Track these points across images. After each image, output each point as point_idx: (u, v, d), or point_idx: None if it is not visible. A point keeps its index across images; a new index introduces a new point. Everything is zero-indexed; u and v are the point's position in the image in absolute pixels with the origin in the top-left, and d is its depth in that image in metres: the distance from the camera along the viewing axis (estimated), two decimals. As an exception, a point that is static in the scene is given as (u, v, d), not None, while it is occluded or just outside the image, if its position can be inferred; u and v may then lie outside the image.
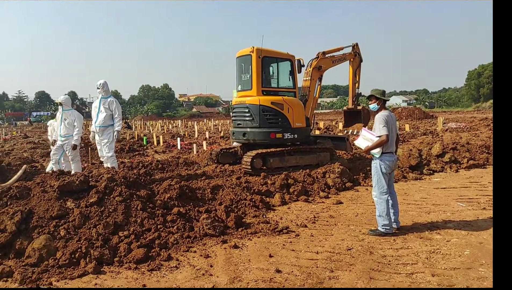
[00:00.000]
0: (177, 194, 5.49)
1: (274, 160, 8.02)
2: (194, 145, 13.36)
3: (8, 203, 4.81)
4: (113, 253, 4.08)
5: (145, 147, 15.41)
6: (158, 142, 16.31)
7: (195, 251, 4.19)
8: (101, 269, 3.78)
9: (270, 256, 4.01)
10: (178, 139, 15.67)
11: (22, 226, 4.33)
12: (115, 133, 7.39)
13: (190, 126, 34.22)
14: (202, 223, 4.74)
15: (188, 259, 4.01)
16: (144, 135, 19.19)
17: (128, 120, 40.50)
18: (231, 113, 11.73)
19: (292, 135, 8.36)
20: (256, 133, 8.18)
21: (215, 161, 8.94)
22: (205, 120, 51.78)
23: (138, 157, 12.66)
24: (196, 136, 20.64)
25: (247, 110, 8.25)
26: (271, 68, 8.65)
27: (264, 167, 8.02)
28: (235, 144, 9.60)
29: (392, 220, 4.69)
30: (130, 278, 3.60)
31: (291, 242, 4.44)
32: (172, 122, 47.78)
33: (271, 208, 5.97)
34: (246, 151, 8.64)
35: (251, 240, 4.53)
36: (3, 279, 3.63)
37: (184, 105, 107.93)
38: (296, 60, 8.67)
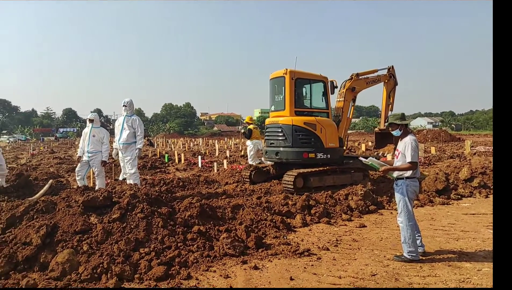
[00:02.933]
0: (198, 212, 5.52)
1: (314, 179, 8.18)
2: (215, 163, 13.47)
3: (35, 216, 4.96)
4: (134, 269, 4.11)
5: (166, 165, 15.64)
6: (180, 160, 16.53)
7: (214, 271, 4.18)
8: (122, 285, 3.82)
9: (291, 279, 3.94)
10: (199, 157, 15.84)
11: (47, 240, 4.45)
12: (137, 151, 7.57)
13: (211, 145, 34.58)
14: (222, 243, 4.73)
15: (207, 278, 3.99)
16: (166, 153, 19.51)
17: (151, 138, 41.39)
18: (247, 135, 12.09)
19: (325, 155, 8.49)
20: (288, 153, 8.38)
21: (249, 178, 9.12)
22: (226, 138, 52.26)
23: (159, 174, 12.85)
24: (216, 154, 20.80)
25: (280, 130, 8.50)
26: (304, 89, 8.91)
27: (304, 187, 8.14)
28: (268, 162, 9.82)
29: (418, 244, 4.55)
30: (149, 296, 3.61)
31: (312, 265, 4.36)
32: (193, 140, 48.51)
33: (292, 229, 5.91)
34: (279, 170, 8.92)
35: (271, 261, 4.48)
36: (27, 292, 3.72)
37: (206, 124, 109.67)
38: (329, 82, 8.86)
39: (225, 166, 13.19)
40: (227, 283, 3.84)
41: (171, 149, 27.69)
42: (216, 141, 35.68)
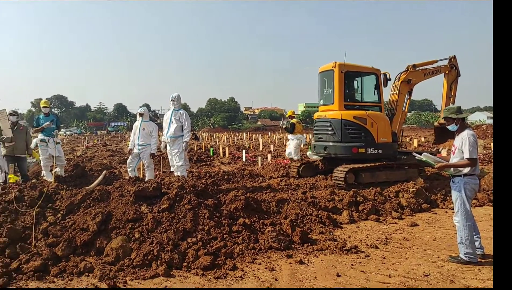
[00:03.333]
0: (243, 205, 5.62)
1: (366, 175, 8.08)
2: (259, 157, 13.58)
3: (91, 204, 5.32)
4: (182, 258, 4.29)
5: (211, 158, 16.03)
6: (224, 154, 16.86)
7: (260, 263, 4.24)
8: (171, 273, 4.00)
9: (338, 275, 3.90)
10: (243, 151, 16.05)
11: (102, 226, 4.77)
12: (184, 144, 7.82)
13: (254, 139, 34.85)
14: (267, 236, 4.79)
15: (253, 270, 4.06)
16: (211, 146, 19.98)
17: (196, 132, 42.52)
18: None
19: (376, 151, 8.35)
20: (337, 147, 8.36)
21: (296, 172, 9.13)
22: (269, 133, 52.39)
23: (205, 167, 13.20)
24: (260, 149, 20.96)
25: (328, 124, 8.50)
26: (354, 83, 8.81)
27: (355, 183, 8.08)
28: (315, 157, 9.81)
29: (477, 246, 4.29)
30: (197, 284, 3.75)
31: (360, 262, 4.28)
32: (237, 134, 49.18)
33: (338, 225, 5.83)
34: (327, 165, 8.96)
35: (317, 257, 4.46)
36: (85, 274, 4.03)
37: (249, 118, 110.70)
38: (381, 74, 8.63)
39: (269, 160, 13.26)
40: (272, 276, 3.89)
41: (216, 143, 28.29)
42: (260, 136, 35.92)
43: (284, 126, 13.03)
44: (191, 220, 4.93)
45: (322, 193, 7.08)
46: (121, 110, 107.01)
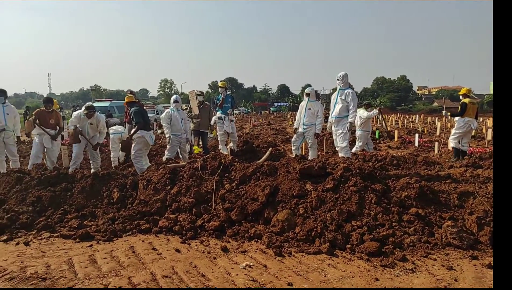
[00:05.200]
0: (416, 194, 5.28)
1: None
2: (436, 143, 12.35)
3: (260, 177, 5.91)
4: (345, 239, 4.37)
5: (377, 141, 15.47)
6: (392, 137, 16.01)
7: (435, 259, 3.95)
8: (334, 252, 4.14)
9: (543, 290, 3.29)
10: (416, 135, 14.88)
11: (270, 198, 5.27)
12: (348, 125, 7.76)
13: (430, 122, 31.76)
14: (446, 231, 4.39)
15: (426, 265, 3.82)
16: (377, 129, 19.24)
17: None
18: None
19: None
20: None
21: None
22: (449, 116, 46.72)
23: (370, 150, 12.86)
24: (437, 133, 19.00)
25: None
26: None
27: None
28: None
29: None
30: (362, 267, 3.78)
31: None
32: (407, 116, 45.69)
33: (545, 231, 4.85)
34: None
35: None
36: (254, 239, 4.58)
37: (423, 99, 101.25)
38: None
39: (449, 147, 11.90)
40: (450, 275, 3.58)
41: (382, 125, 27.03)
42: (437, 119, 32.46)
43: (449, 114, 11.32)
44: (356, 203, 4.94)
45: (522, 190, 5.98)
46: (284, 90, 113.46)
